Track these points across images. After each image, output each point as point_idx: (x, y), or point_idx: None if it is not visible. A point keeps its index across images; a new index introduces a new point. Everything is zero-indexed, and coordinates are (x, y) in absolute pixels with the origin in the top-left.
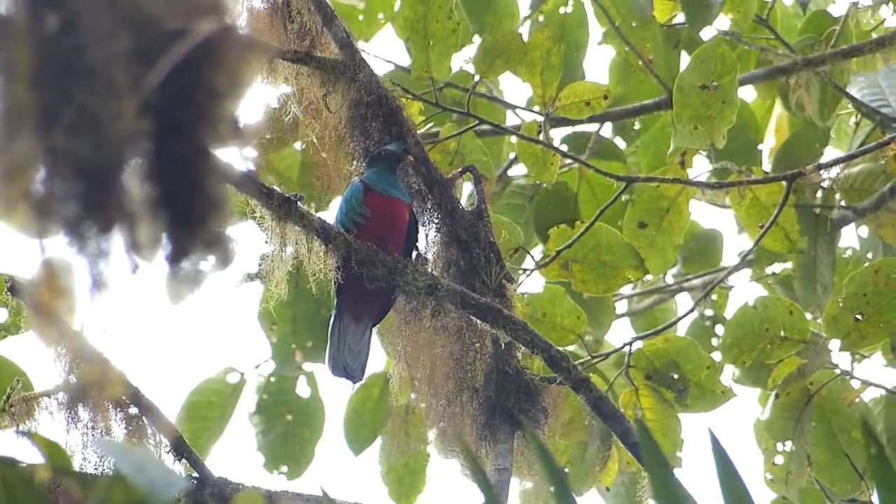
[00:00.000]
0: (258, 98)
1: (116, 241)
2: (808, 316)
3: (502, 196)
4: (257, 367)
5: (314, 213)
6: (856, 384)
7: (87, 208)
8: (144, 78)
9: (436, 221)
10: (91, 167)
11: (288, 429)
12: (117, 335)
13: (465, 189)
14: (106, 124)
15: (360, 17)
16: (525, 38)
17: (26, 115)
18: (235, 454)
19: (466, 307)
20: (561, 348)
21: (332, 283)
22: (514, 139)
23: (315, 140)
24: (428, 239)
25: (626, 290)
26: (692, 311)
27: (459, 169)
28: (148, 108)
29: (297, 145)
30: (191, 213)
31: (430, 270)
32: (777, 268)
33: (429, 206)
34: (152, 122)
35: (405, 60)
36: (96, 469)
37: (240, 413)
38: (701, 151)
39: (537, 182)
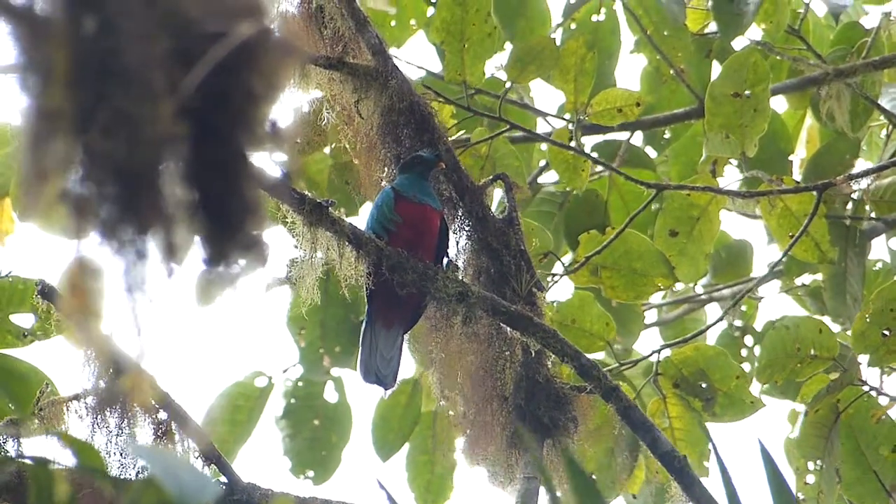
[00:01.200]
0: (289, 102)
1: (153, 243)
2: (838, 328)
3: (532, 203)
4: (285, 371)
5: (345, 218)
6: (884, 401)
7: (124, 211)
8: (182, 81)
9: (466, 229)
10: (127, 170)
11: (315, 434)
12: (148, 338)
13: (495, 195)
14: (143, 127)
15: (393, 23)
16: (557, 45)
17: (63, 117)
18: (262, 458)
19: (497, 315)
20: (590, 356)
21: (364, 289)
22: (544, 147)
23: (347, 146)
24: (458, 246)
25: (656, 299)
26: (721, 319)
27: (491, 176)
28: (185, 111)
29: (327, 150)
30: (228, 217)
31: (461, 277)
32: (807, 279)
33: (460, 214)
34: (189, 125)
35: (436, 67)
36: (127, 472)
37: (267, 417)
38: (732, 161)
39: (567, 189)
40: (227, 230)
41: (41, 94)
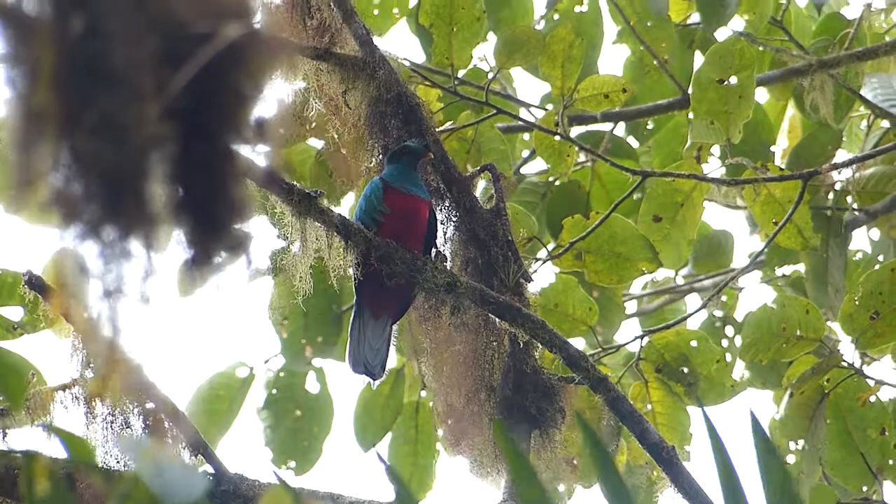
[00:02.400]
0: (273, 93)
1: (139, 241)
2: None
3: (515, 193)
4: (267, 361)
5: (334, 210)
6: (871, 383)
7: (108, 211)
8: (169, 81)
9: (454, 219)
10: (113, 170)
11: (296, 424)
12: (132, 330)
13: (480, 184)
14: (129, 128)
15: (375, 13)
16: (543, 34)
17: (49, 117)
18: (243, 449)
19: (485, 305)
20: (572, 341)
21: (352, 280)
22: (527, 137)
23: (334, 136)
24: (446, 237)
25: (637, 290)
26: (702, 308)
27: (478, 167)
28: (171, 111)
29: (311, 140)
30: (213, 216)
31: (449, 268)
32: (788, 270)
33: (447, 204)
34: (175, 124)
35: (418, 57)
36: (118, 463)
37: (248, 408)
38: (713, 151)
39: (550, 179)
40: (213, 229)
41: (28, 93)
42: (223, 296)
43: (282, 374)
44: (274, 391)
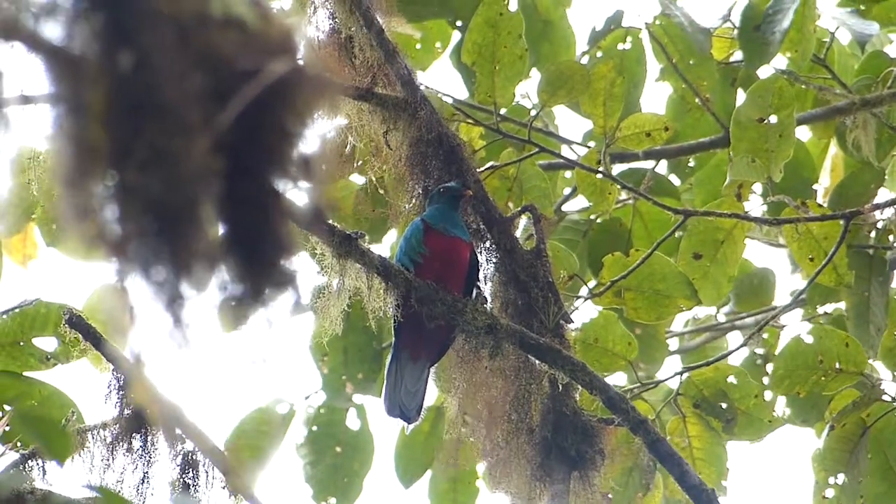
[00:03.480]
0: (316, 131)
1: (191, 277)
2: None
3: (556, 231)
4: (307, 398)
5: (373, 250)
6: None
7: (160, 246)
8: (216, 117)
9: (494, 260)
10: (163, 205)
11: (337, 461)
12: (174, 367)
13: (520, 223)
14: (178, 162)
15: (418, 46)
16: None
17: (99, 154)
18: (284, 485)
19: (525, 347)
20: (611, 376)
21: (392, 322)
22: (568, 174)
23: (374, 177)
24: (486, 278)
25: (679, 327)
26: (743, 345)
27: (519, 208)
28: (218, 148)
29: (353, 178)
30: (261, 253)
31: (489, 309)
32: (829, 308)
33: (488, 245)
34: (222, 161)
35: (460, 92)
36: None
37: (288, 444)
38: (755, 189)
39: (591, 217)
40: (260, 265)
41: (77, 131)
42: (266, 331)
43: (322, 410)
44: (314, 427)
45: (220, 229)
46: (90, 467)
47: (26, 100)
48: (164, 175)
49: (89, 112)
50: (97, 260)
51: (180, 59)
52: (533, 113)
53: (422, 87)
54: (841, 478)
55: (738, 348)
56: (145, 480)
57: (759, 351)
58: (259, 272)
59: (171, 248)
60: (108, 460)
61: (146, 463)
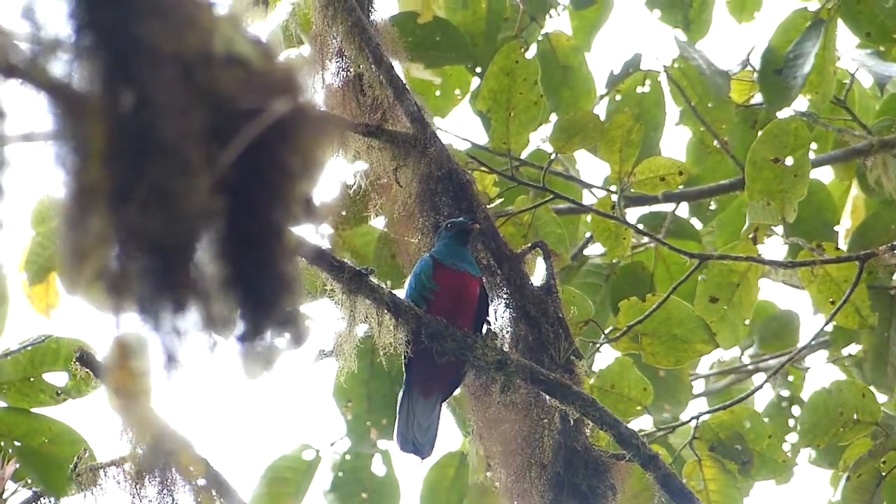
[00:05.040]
0: (334, 174)
1: (191, 318)
2: (882, 398)
3: (578, 275)
4: (332, 444)
5: (385, 287)
6: None
7: (161, 286)
8: (218, 156)
9: (505, 296)
10: (164, 245)
11: None
12: (191, 410)
13: (540, 266)
14: (179, 202)
15: (437, 93)
16: (602, 116)
17: (100, 193)
18: None
19: (536, 383)
20: (633, 421)
21: (403, 358)
22: (590, 218)
23: (384, 215)
24: (497, 314)
25: (704, 369)
26: (762, 386)
27: (529, 245)
28: (221, 187)
29: (374, 222)
30: (263, 293)
31: (500, 346)
32: (853, 349)
33: (498, 281)
34: (224, 200)
35: (480, 137)
36: None
37: (315, 491)
38: (777, 231)
39: (613, 261)
40: (262, 306)
41: (78, 170)
42: (289, 378)
43: (347, 456)
44: (340, 473)
45: (222, 268)
46: None
47: (27, 138)
48: (165, 215)
49: (90, 150)
50: (97, 299)
51: (183, 98)
52: (550, 159)
53: (433, 128)
54: None
55: (754, 391)
56: None
57: (784, 393)
58: (260, 311)
59: (170, 287)
60: (134, 495)
61: (164, 501)
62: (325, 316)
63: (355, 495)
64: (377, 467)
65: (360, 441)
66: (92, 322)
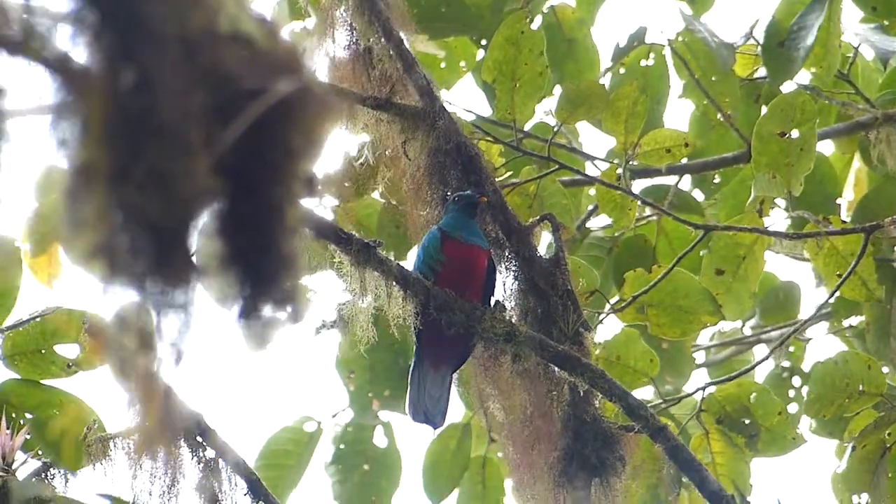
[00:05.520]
0: (338, 145)
1: (190, 292)
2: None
3: (581, 247)
4: (334, 416)
5: (392, 259)
6: None
7: (155, 263)
8: (219, 136)
9: (513, 269)
10: (160, 224)
11: (365, 479)
12: (194, 381)
13: (545, 238)
14: (176, 184)
15: (442, 65)
16: (606, 88)
17: (99, 171)
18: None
19: (545, 355)
20: (636, 392)
21: (412, 329)
22: (592, 191)
23: (392, 188)
24: (505, 286)
25: (705, 340)
26: (766, 358)
27: (538, 217)
28: (221, 166)
29: (376, 194)
30: (262, 271)
31: (508, 318)
32: (855, 320)
33: (506, 254)
34: (225, 179)
35: (484, 109)
36: None
37: (316, 462)
38: (780, 204)
39: (616, 234)
40: (261, 283)
41: (78, 147)
42: (292, 350)
43: (350, 428)
44: (342, 446)
45: (221, 245)
46: (112, 476)
47: (31, 111)
48: (162, 196)
49: (90, 127)
50: (97, 271)
51: (185, 77)
52: (554, 131)
53: (441, 101)
54: (864, 497)
55: (759, 363)
56: (172, 489)
57: (785, 364)
58: (259, 288)
59: (166, 264)
60: (134, 468)
61: (171, 471)
62: (326, 288)
63: (357, 467)
64: (379, 439)
65: (362, 412)
66: (95, 293)
